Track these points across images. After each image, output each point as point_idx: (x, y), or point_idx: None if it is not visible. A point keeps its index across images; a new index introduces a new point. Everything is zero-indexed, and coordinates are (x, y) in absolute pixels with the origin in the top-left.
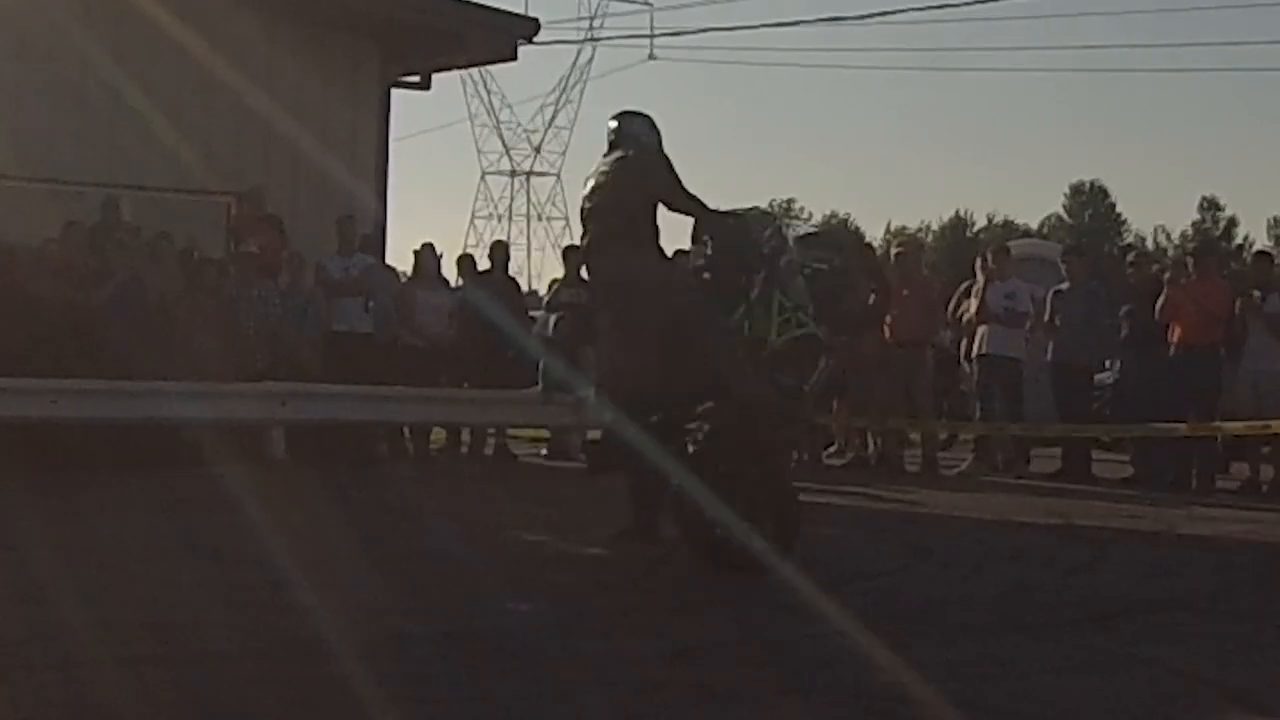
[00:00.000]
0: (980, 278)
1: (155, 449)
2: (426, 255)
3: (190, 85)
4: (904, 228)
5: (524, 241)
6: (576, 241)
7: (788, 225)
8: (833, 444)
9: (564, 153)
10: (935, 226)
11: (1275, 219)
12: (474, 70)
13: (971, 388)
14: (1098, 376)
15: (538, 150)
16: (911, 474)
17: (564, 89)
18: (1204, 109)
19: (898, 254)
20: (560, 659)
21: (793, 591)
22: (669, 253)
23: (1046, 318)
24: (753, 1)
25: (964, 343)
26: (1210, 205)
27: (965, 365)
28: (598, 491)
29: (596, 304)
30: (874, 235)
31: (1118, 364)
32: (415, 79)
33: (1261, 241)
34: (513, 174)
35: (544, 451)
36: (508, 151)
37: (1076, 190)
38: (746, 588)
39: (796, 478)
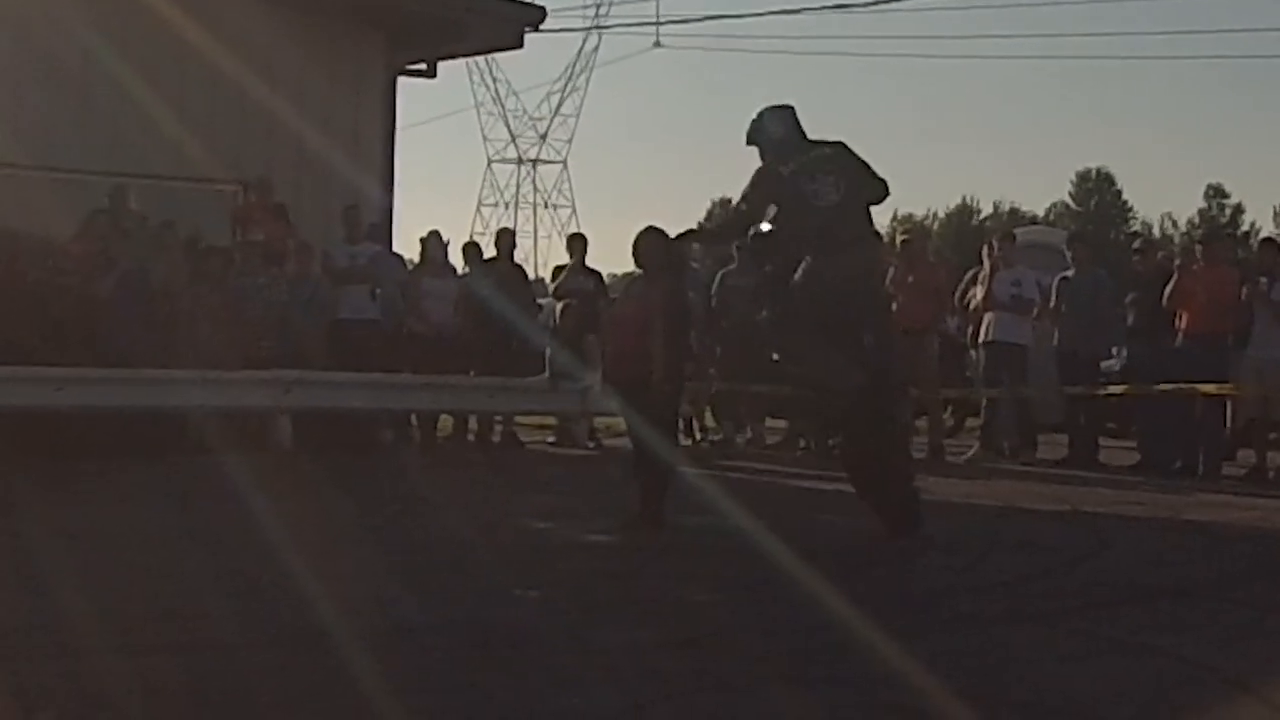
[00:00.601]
0: (987, 265)
1: (160, 437)
2: (433, 243)
3: (195, 74)
4: (910, 215)
5: (530, 229)
6: (585, 230)
7: None
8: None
9: (570, 140)
10: (941, 214)
11: None
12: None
13: (978, 375)
14: (1104, 364)
15: (544, 138)
16: (918, 461)
17: (570, 77)
18: (1210, 96)
19: (903, 241)
20: (565, 648)
21: (799, 580)
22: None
23: (1052, 305)
24: None
25: (970, 330)
26: (1216, 192)
27: (972, 352)
28: (605, 479)
29: (825, 302)
30: (881, 223)
31: (1124, 352)
32: (421, 67)
33: (1268, 229)
34: (519, 162)
35: (551, 439)
36: (514, 139)
37: (1083, 177)
38: (752, 576)
39: (803, 465)
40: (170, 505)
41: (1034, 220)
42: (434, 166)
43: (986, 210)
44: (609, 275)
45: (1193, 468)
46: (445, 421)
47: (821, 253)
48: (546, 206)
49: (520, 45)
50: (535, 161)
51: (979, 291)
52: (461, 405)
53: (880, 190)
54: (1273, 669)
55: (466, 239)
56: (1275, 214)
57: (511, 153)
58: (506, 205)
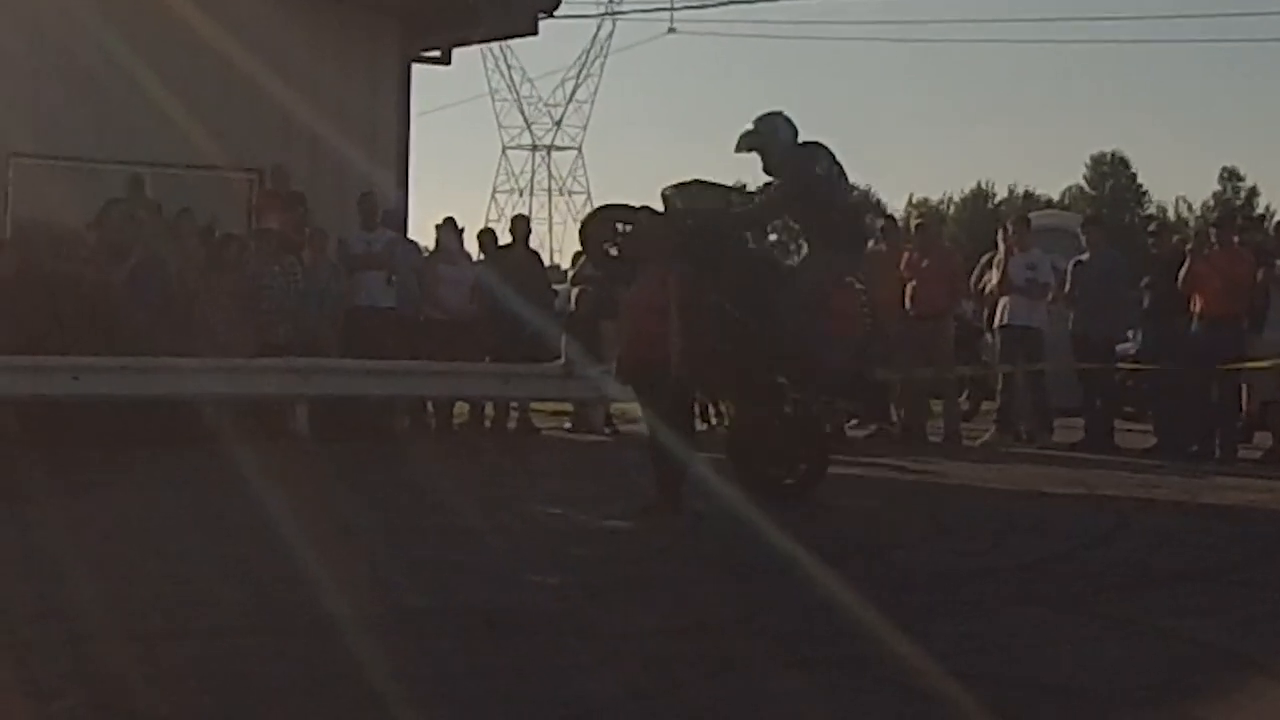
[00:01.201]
0: (1002, 249)
1: (176, 426)
2: (448, 230)
3: (209, 63)
4: (925, 200)
5: (545, 215)
6: None
7: None
8: (856, 416)
9: (585, 127)
10: (956, 199)
11: None
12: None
13: (994, 358)
14: (1119, 347)
15: (559, 124)
16: (934, 445)
17: (584, 63)
18: (1225, 80)
19: (918, 225)
20: (578, 633)
21: (813, 564)
22: None
23: (1067, 289)
24: None
25: (986, 314)
26: (1231, 176)
27: (988, 336)
28: (621, 464)
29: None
30: (896, 208)
31: (1139, 335)
32: (435, 54)
33: None
34: (534, 148)
35: (567, 425)
36: (529, 126)
37: (1097, 161)
38: (767, 560)
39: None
40: (184, 494)
41: (1049, 204)
42: (449, 153)
43: (1001, 194)
44: None
45: (1209, 451)
46: (461, 408)
47: (845, 249)
48: (561, 193)
49: (535, 32)
50: (550, 148)
51: (994, 275)
52: (477, 392)
53: None
54: None
55: (481, 226)
56: None
57: (526, 139)
58: (521, 192)
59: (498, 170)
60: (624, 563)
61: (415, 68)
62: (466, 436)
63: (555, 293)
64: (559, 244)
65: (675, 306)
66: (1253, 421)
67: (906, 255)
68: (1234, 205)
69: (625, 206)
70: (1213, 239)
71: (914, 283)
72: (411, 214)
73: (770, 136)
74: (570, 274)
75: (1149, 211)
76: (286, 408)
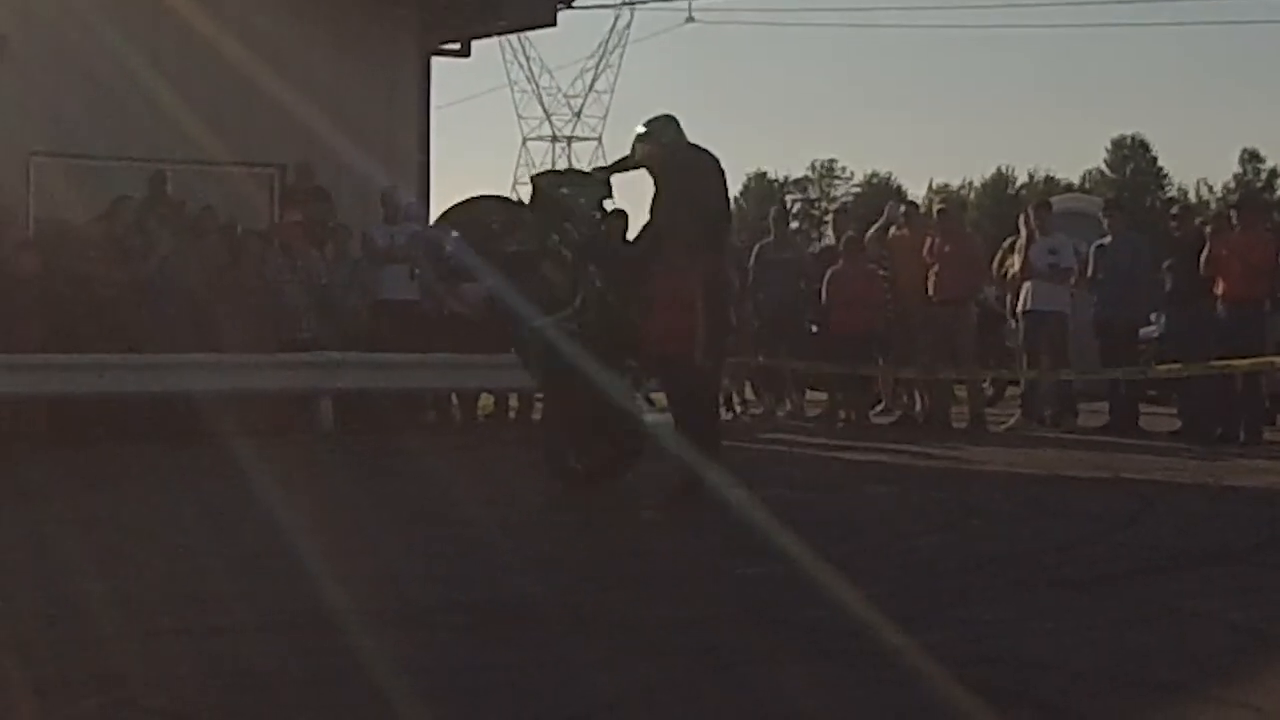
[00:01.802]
0: (1023, 234)
1: (203, 422)
2: None
3: (228, 60)
4: (946, 185)
5: None
6: (620, 207)
7: None
8: (880, 402)
9: (604, 117)
10: (977, 184)
11: None
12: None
13: (1017, 343)
14: (1142, 331)
15: (578, 115)
16: (959, 430)
17: (603, 53)
18: (1244, 62)
19: (939, 211)
20: (587, 625)
21: (840, 552)
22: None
23: (1089, 273)
24: None
25: (1009, 299)
26: (1252, 157)
27: (1011, 321)
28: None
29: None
30: (916, 193)
31: (1162, 318)
32: (455, 47)
33: None
34: (554, 139)
35: None
36: (548, 117)
37: (1118, 145)
38: (789, 551)
39: (843, 437)
40: (204, 490)
41: (1070, 188)
42: (469, 146)
43: (1022, 179)
44: None
45: (1233, 434)
46: (486, 400)
47: (713, 250)
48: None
49: (553, 23)
50: (570, 139)
51: (1016, 260)
52: (501, 384)
53: None
54: None
55: None
56: None
57: (546, 130)
58: None
59: (518, 162)
60: (647, 553)
61: (434, 60)
62: (491, 429)
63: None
64: None
65: (701, 298)
66: (1276, 404)
67: (929, 241)
68: (1255, 187)
69: (500, 199)
70: (1233, 221)
71: (936, 268)
72: (433, 207)
73: (661, 133)
74: None
75: (1170, 194)
76: (311, 403)
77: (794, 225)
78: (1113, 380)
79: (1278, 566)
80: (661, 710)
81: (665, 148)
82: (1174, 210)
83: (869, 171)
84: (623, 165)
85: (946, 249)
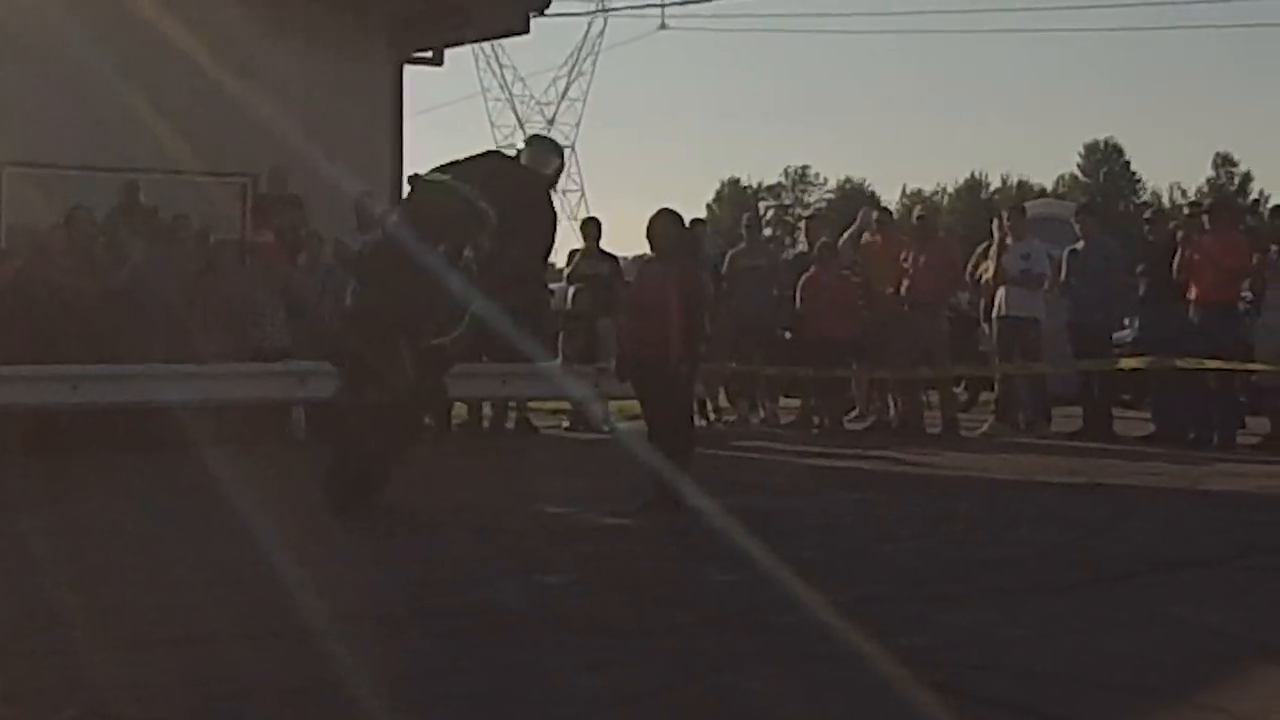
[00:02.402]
0: (997, 239)
1: (174, 433)
2: None
3: (201, 69)
4: (919, 191)
5: None
6: (594, 214)
7: None
8: (854, 408)
9: (577, 124)
10: (950, 189)
11: None
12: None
13: (991, 349)
14: (1116, 335)
15: (551, 123)
16: (933, 436)
17: (576, 61)
18: (1217, 65)
19: (919, 218)
20: (586, 630)
21: (817, 558)
22: None
23: (1062, 278)
24: None
25: (983, 304)
26: (1225, 161)
27: (984, 326)
28: (620, 463)
29: None
30: (890, 199)
31: (1136, 322)
32: (428, 54)
33: (1278, 197)
34: None
35: (565, 423)
36: (521, 125)
37: (1091, 149)
38: (769, 555)
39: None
40: (179, 500)
41: (1043, 193)
42: (443, 153)
43: (995, 184)
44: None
45: (1207, 437)
46: (459, 408)
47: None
48: (556, 191)
49: (526, 30)
50: None
51: (990, 266)
52: (475, 392)
53: None
54: None
55: None
56: None
57: (519, 138)
58: None
59: None
60: (623, 560)
61: (407, 68)
62: (465, 436)
63: (552, 291)
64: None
65: (675, 303)
66: (1251, 402)
67: (906, 248)
68: (1228, 191)
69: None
70: (1205, 225)
71: (910, 273)
72: None
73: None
74: (566, 272)
75: (1143, 199)
76: (284, 412)
77: (767, 232)
78: (1086, 384)
79: (1255, 570)
80: (643, 715)
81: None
82: (1147, 215)
83: (842, 177)
84: None
85: (922, 259)
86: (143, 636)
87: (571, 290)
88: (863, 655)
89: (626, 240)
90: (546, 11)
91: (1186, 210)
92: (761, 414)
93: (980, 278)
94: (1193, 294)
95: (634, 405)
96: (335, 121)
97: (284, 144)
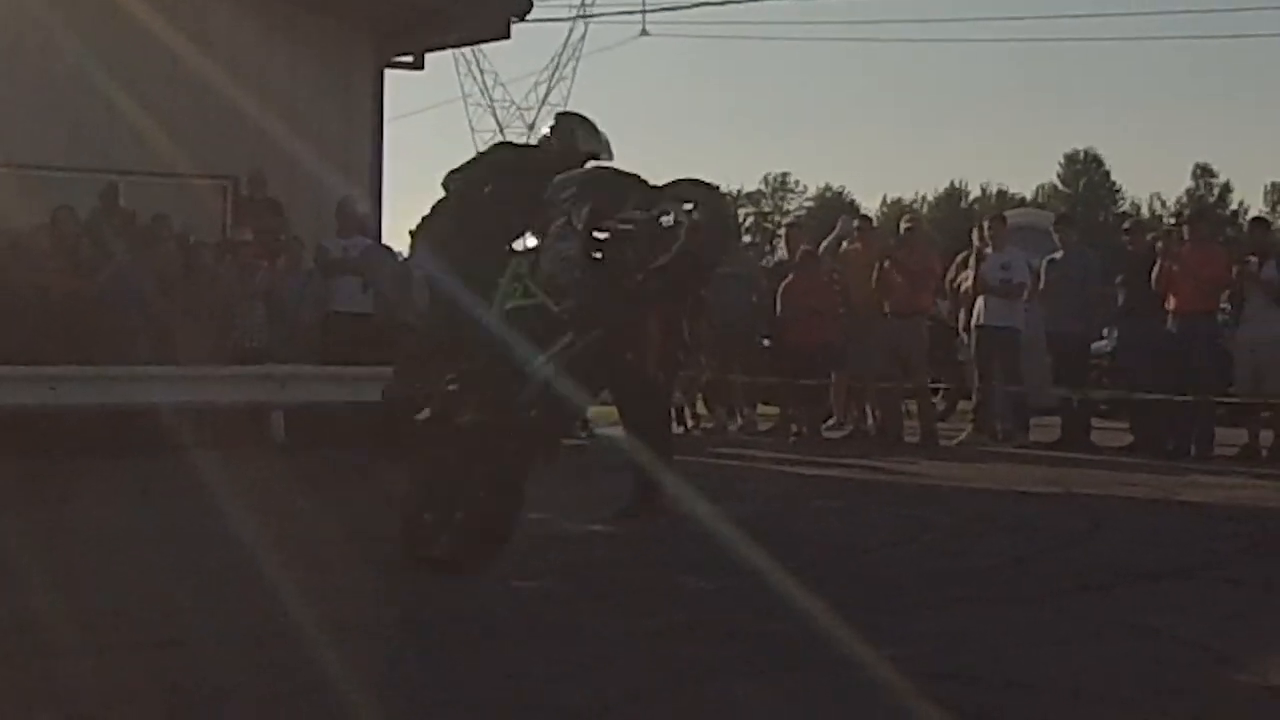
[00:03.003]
0: (976, 248)
1: (153, 435)
2: None
3: (184, 70)
4: (899, 200)
5: None
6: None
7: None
8: (831, 417)
9: None
10: (930, 198)
11: (1273, 185)
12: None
13: (969, 358)
14: (1095, 345)
15: (531, 128)
16: (910, 445)
17: (557, 66)
18: (1197, 76)
19: (908, 229)
20: (563, 638)
21: (793, 566)
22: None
23: (1041, 287)
24: None
25: (961, 314)
26: (1204, 172)
27: (963, 336)
28: (598, 469)
29: None
30: (869, 207)
31: (1115, 332)
32: (408, 59)
33: (1257, 208)
34: None
35: None
36: (502, 130)
37: (1071, 159)
38: (747, 562)
39: (795, 451)
40: (158, 503)
41: (1022, 203)
42: (423, 158)
43: (975, 193)
44: None
45: (1185, 448)
46: None
47: None
48: None
49: (507, 36)
50: None
51: (968, 275)
52: None
53: None
54: (1271, 649)
55: None
56: (1266, 193)
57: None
58: None
59: None
60: (608, 566)
61: (388, 73)
62: None
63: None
64: None
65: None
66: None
67: (890, 258)
68: (1208, 202)
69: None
70: (1184, 236)
71: (890, 282)
72: (386, 219)
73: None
74: None
75: (1123, 209)
76: (263, 415)
77: (747, 239)
78: (1064, 395)
79: (1231, 582)
80: None
81: None
82: (1126, 225)
83: (822, 185)
84: None
85: (905, 264)
86: (120, 641)
87: None
88: (840, 664)
89: None
90: (527, 17)
91: (1174, 223)
92: (739, 421)
93: (959, 287)
94: (1171, 305)
95: (612, 411)
96: (316, 124)
97: (265, 146)
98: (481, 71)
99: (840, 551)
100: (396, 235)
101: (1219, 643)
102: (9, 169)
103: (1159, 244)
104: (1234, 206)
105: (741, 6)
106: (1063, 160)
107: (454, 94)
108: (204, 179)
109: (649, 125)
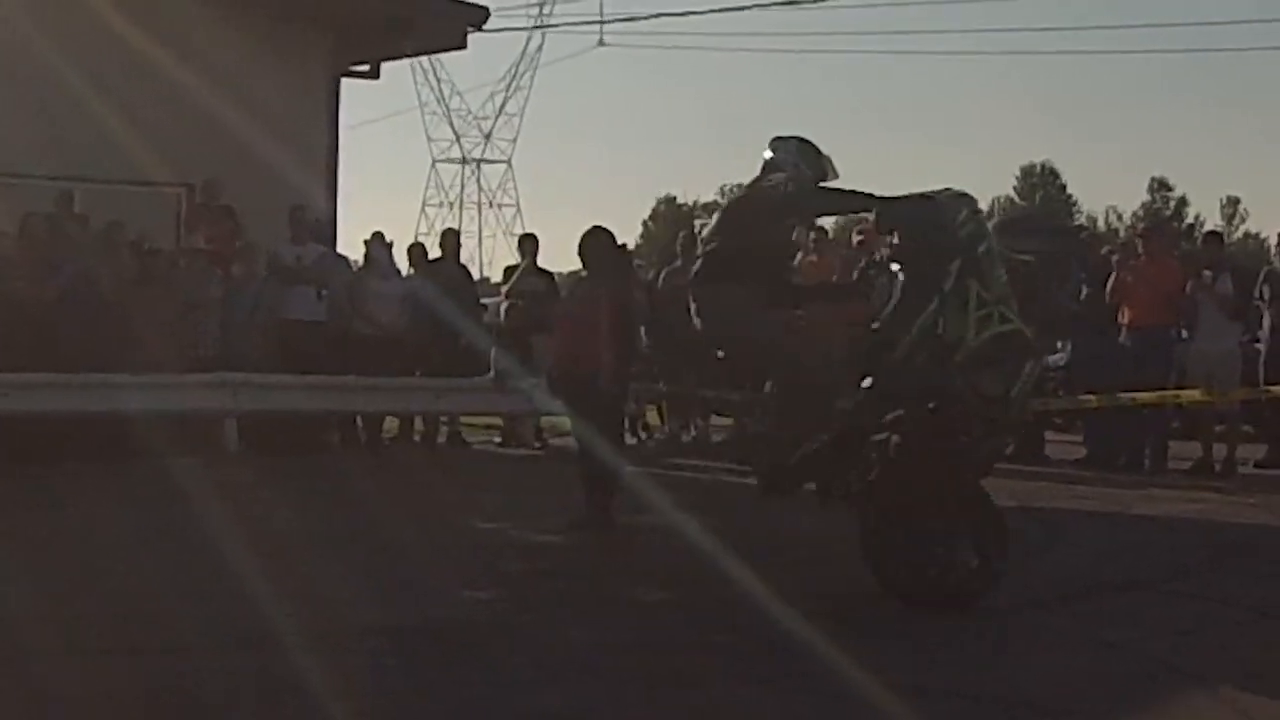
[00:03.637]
0: None
1: (107, 441)
2: (377, 244)
3: (138, 76)
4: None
5: (475, 229)
6: (530, 229)
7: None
8: None
9: (514, 140)
10: None
11: (1229, 198)
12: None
13: None
14: (1050, 358)
15: (488, 137)
16: None
17: (514, 76)
18: (1153, 90)
19: (859, 241)
20: (516, 649)
21: (748, 578)
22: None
23: None
24: None
25: None
26: (1160, 185)
27: None
28: (551, 480)
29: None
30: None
31: (1068, 345)
32: (365, 68)
33: (1213, 221)
34: (463, 161)
35: (497, 439)
36: (458, 139)
37: (1027, 172)
38: (701, 575)
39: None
40: (117, 509)
41: None
42: (378, 167)
43: None
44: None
45: (1138, 462)
46: (391, 423)
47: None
48: (491, 206)
49: (464, 45)
50: (480, 161)
51: None
52: (407, 406)
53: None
54: (1225, 662)
55: (411, 240)
56: (1222, 206)
57: (456, 153)
58: (451, 205)
59: (427, 183)
60: (560, 577)
61: (344, 81)
62: (397, 451)
63: (484, 307)
64: (489, 257)
65: (606, 320)
66: (1184, 429)
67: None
68: (1163, 215)
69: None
70: (1139, 249)
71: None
72: (341, 228)
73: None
74: (504, 288)
75: (1079, 222)
76: (216, 423)
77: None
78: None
79: (1185, 594)
80: None
81: None
82: (1081, 238)
83: None
84: None
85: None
86: (100, 647)
87: (504, 306)
88: (799, 676)
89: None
90: (485, 27)
91: (1122, 235)
92: (693, 432)
93: None
94: (1125, 318)
95: (565, 422)
96: (271, 134)
97: (218, 155)
98: (438, 81)
99: (795, 564)
100: (353, 244)
101: (1176, 657)
102: None
103: (1114, 257)
104: (1190, 220)
105: (700, 18)
106: (1019, 173)
107: (411, 103)
108: (161, 185)
109: (605, 136)
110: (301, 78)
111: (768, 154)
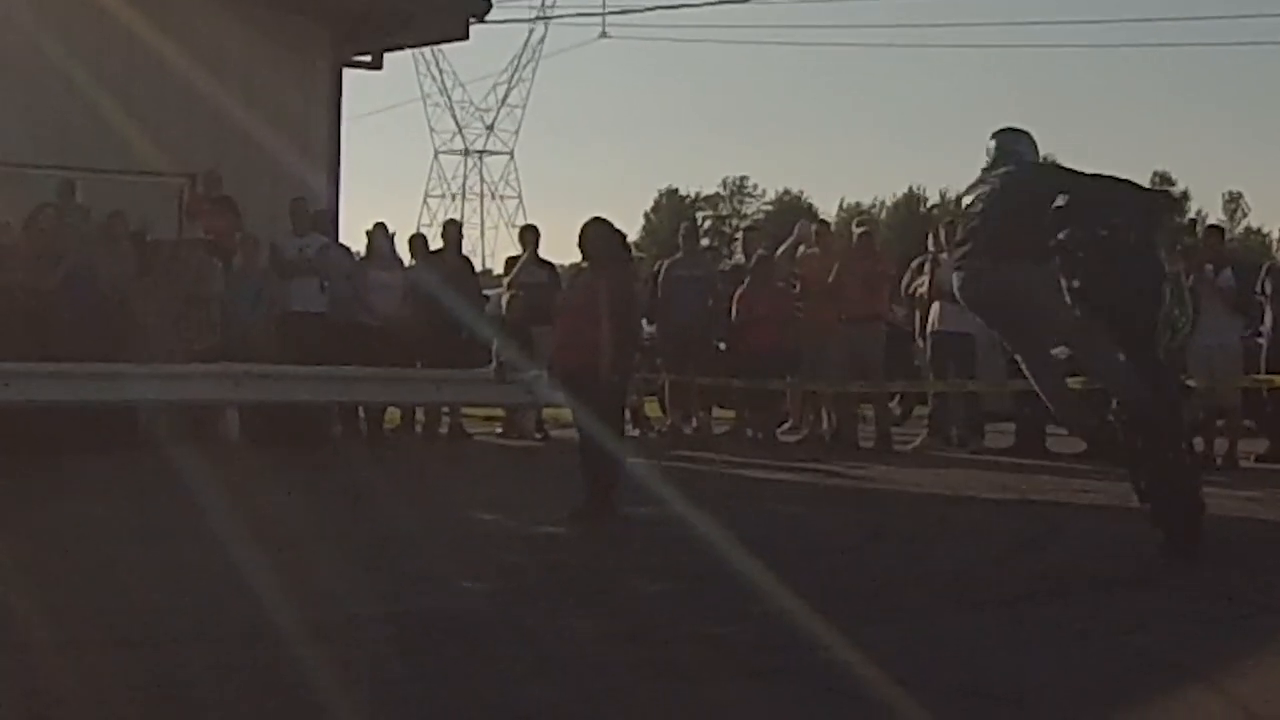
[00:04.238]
0: (932, 253)
1: (109, 431)
2: (379, 235)
3: (141, 66)
4: (858, 204)
5: (477, 220)
6: (532, 220)
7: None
8: (787, 421)
9: (517, 131)
10: (889, 203)
11: (1231, 193)
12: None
13: (925, 364)
14: (1053, 351)
15: (490, 129)
16: (866, 450)
17: (516, 67)
18: (1155, 83)
19: (862, 233)
20: (517, 640)
21: (748, 570)
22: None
23: None
24: None
25: (917, 319)
26: (1162, 180)
27: (919, 341)
28: (552, 470)
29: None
30: (828, 212)
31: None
32: (367, 59)
33: (1215, 215)
34: (465, 153)
35: (498, 430)
36: (460, 130)
37: None
38: (701, 566)
39: (750, 455)
40: (119, 500)
41: None
42: (381, 158)
43: (934, 199)
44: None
45: None
46: (393, 413)
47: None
48: (493, 197)
49: (466, 36)
50: (482, 153)
51: (924, 280)
52: (409, 397)
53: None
54: (1224, 656)
55: (413, 231)
56: (1224, 201)
57: (458, 144)
58: (453, 196)
59: (430, 175)
60: (562, 568)
61: (346, 72)
62: (398, 441)
63: (486, 298)
64: (490, 249)
65: (607, 311)
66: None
67: (840, 261)
68: None
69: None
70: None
71: (846, 287)
72: (343, 218)
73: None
74: (506, 279)
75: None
76: (217, 413)
77: (704, 242)
78: (1019, 400)
79: (1182, 589)
80: None
81: None
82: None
83: (780, 189)
84: None
85: (859, 270)
86: (92, 639)
87: (506, 297)
88: (793, 668)
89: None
90: (487, 18)
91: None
92: (694, 424)
93: (915, 292)
94: None
95: (567, 413)
96: (273, 125)
97: (221, 146)
98: (441, 72)
99: (794, 556)
100: (355, 234)
101: (1172, 651)
102: None
103: None
104: (1192, 214)
105: (702, 10)
106: None
107: (413, 94)
108: (160, 177)
109: (607, 127)
110: (303, 68)
111: (991, 143)
